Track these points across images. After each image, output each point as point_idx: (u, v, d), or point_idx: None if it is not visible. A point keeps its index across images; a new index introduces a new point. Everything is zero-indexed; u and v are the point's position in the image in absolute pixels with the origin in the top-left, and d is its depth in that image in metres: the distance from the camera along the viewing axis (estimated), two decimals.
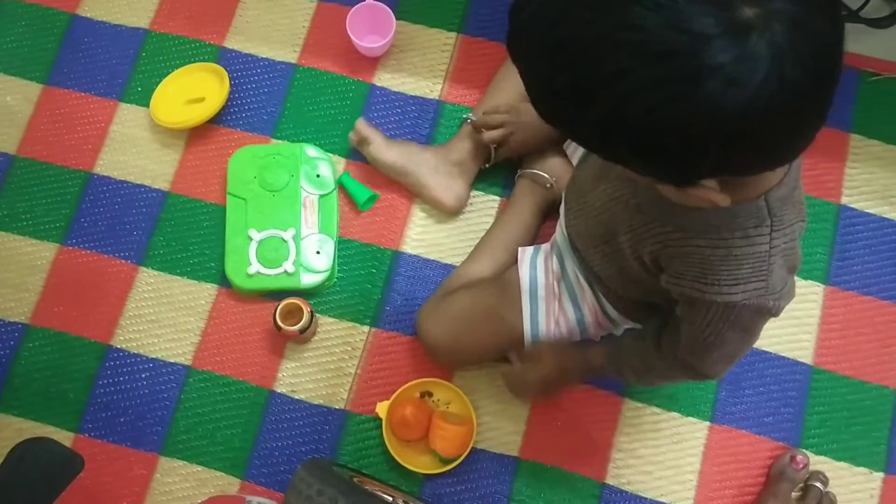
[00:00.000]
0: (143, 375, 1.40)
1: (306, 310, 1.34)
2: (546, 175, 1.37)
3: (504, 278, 1.31)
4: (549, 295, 1.26)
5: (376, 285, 1.43)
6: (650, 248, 0.97)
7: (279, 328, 1.33)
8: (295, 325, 1.33)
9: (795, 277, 1.38)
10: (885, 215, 1.47)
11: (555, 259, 1.27)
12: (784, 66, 0.65)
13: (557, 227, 1.30)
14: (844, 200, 1.48)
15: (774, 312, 0.93)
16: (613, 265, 1.12)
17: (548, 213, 1.41)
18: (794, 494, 1.34)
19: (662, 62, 0.65)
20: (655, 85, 0.66)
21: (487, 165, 1.44)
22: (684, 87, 0.65)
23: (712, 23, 0.64)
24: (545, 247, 1.31)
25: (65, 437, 1.36)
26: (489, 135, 1.39)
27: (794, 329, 1.42)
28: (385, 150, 1.43)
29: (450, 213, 1.45)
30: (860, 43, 1.55)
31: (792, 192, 0.89)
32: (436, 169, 1.42)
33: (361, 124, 1.43)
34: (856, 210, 1.47)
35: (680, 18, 0.64)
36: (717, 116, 0.66)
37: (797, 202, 0.92)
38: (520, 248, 1.33)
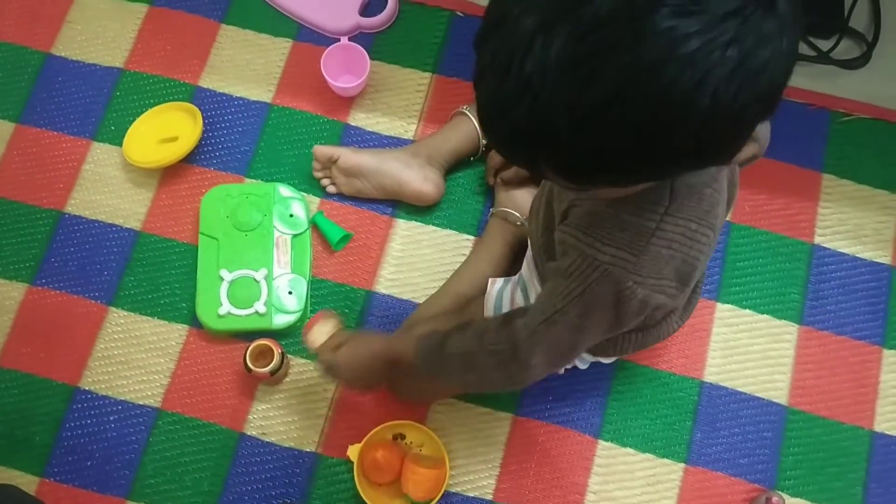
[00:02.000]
0: (112, 418, 1.37)
1: (277, 351, 1.32)
2: (517, 213, 1.37)
3: (467, 309, 1.32)
4: None
5: (349, 326, 1.42)
6: (564, 206, 0.96)
7: (249, 370, 1.31)
8: (265, 366, 1.31)
9: (768, 316, 1.42)
10: (857, 255, 1.47)
11: (519, 291, 1.28)
12: (797, 10, 0.68)
13: (524, 262, 1.30)
14: (817, 240, 1.48)
15: (629, 297, 0.90)
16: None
17: (518, 250, 1.41)
18: None
19: (728, 51, 0.65)
20: (730, 74, 0.66)
21: (472, 158, 1.48)
22: (756, 57, 0.66)
23: (740, 2, 0.65)
24: (514, 279, 1.31)
25: (30, 482, 1.34)
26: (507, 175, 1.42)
27: (769, 369, 1.41)
28: (355, 155, 1.43)
29: (431, 201, 1.45)
30: (831, 84, 1.56)
31: (703, 189, 0.89)
32: (408, 164, 1.43)
33: (320, 148, 1.44)
34: (829, 249, 1.48)
35: (716, 6, 0.65)
36: (784, 70, 0.69)
37: (707, 203, 0.90)
38: (490, 280, 1.33)
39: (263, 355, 1.33)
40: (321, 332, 1.23)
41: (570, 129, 0.68)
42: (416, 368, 1.14)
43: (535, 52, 0.67)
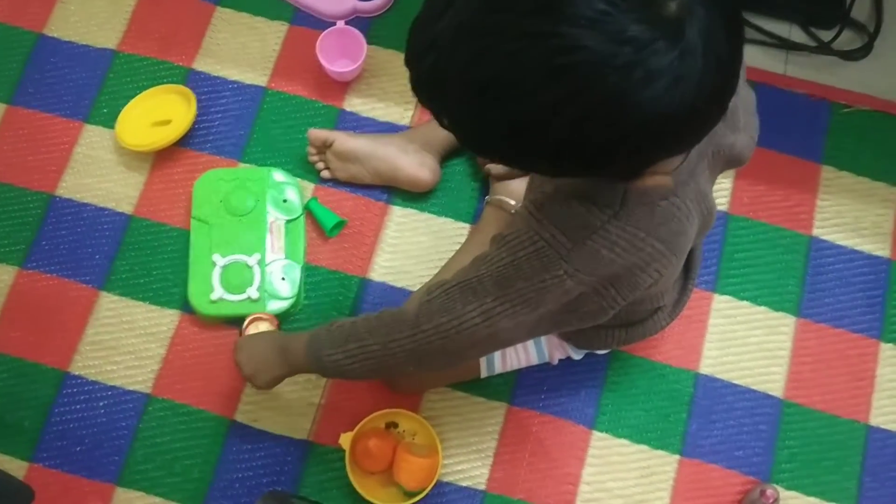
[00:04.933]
0: (102, 403, 1.36)
1: (274, 325, 1.31)
2: (511, 201, 1.36)
3: None
4: None
5: (343, 313, 1.40)
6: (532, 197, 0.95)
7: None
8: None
9: (765, 308, 1.40)
10: (856, 247, 1.46)
11: None
12: (716, 46, 0.67)
13: None
14: (816, 232, 1.47)
15: (553, 286, 0.89)
16: None
17: None
18: None
19: (611, 77, 0.64)
20: (606, 101, 0.66)
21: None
22: (635, 95, 0.65)
23: (646, 28, 0.64)
24: None
25: (18, 467, 1.32)
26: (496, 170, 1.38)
27: (766, 362, 1.40)
28: (350, 139, 1.42)
29: (427, 187, 1.44)
30: (832, 75, 1.55)
31: (657, 201, 0.88)
32: (404, 149, 1.42)
33: (314, 131, 1.42)
34: (827, 242, 1.46)
35: (617, 30, 0.64)
36: (671, 113, 0.67)
37: (659, 216, 0.89)
38: None
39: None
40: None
41: (459, 96, 0.70)
42: (307, 360, 1.12)
43: (451, 11, 0.68)
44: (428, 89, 0.74)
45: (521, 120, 0.68)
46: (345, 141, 1.41)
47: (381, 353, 1.04)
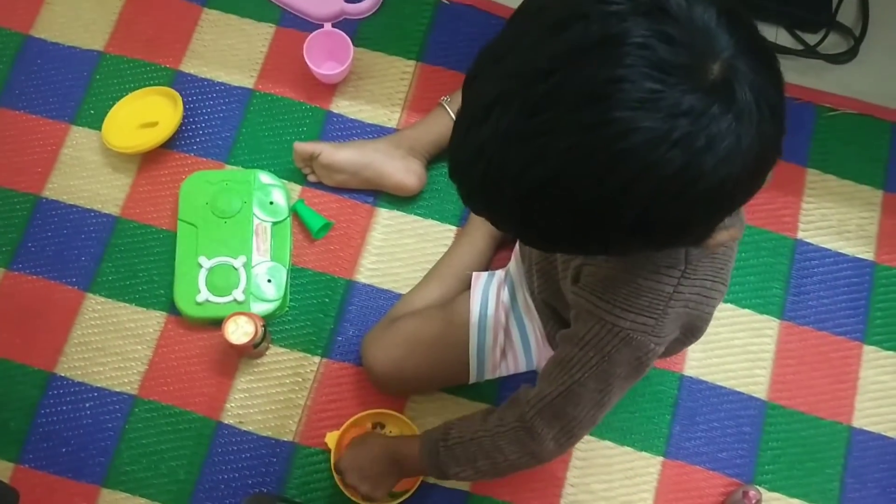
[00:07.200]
0: (88, 405, 1.36)
1: (259, 324, 1.30)
2: None
3: (453, 306, 1.30)
4: (496, 325, 1.25)
5: (329, 315, 1.41)
6: (576, 262, 0.95)
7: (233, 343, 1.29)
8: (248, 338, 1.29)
9: (750, 311, 1.41)
10: (840, 250, 1.47)
11: (506, 290, 1.26)
12: (766, 96, 0.66)
13: (512, 258, 1.29)
14: (800, 235, 1.48)
15: (649, 359, 0.91)
16: (550, 285, 1.11)
17: (501, 241, 1.40)
18: None
19: (672, 150, 0.63)
20: (671, 175, 0.65)
21: None
22: (699, 165, 0.64)
23: (699, 97, 0.63)
24: (499, 274, 1.30)
25: (4, 468, 1.33)
26: None
27: (749, 364, 1.41)
28: (336, 152, 1.42)
29: (414, 192, 1.44)
30: (818, 79, 1.56)
31: (715, 248, 0.89)
32: (390, 155, 1.42)
33: (300, 145, 1.42)
34: (811, 245, 1.47)
35: (671, 104, 0.63)
36: (739, 171, 0.66)
37: (720, 260, 0.91)
38: (474, 274, 1.32)
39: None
40: (239, 331, 1.29)
41: (517, 200, 0.69)
42: (424, 468, 1.14)
43: (491, 120, 0.67)
44: (483, 199, 0.73)
45: (590, 211, 0.67)
46: (330, 154, 1.41)
47: (510, 466, 1.06)
